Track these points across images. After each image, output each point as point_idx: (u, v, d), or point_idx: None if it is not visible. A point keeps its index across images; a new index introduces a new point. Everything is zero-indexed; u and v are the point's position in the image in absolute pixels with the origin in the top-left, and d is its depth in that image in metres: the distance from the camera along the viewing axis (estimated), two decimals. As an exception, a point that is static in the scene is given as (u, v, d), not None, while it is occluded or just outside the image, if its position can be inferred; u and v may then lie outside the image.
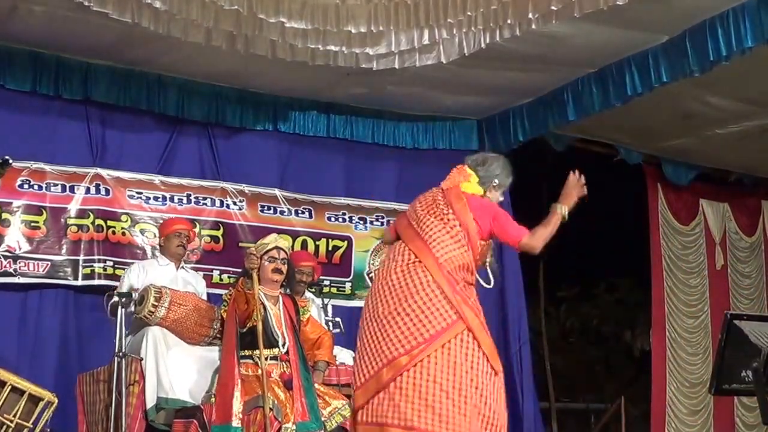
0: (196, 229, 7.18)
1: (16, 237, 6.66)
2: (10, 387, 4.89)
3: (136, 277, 6.07)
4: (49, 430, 5.17)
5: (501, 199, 4.60)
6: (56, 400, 5.07)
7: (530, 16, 5.94)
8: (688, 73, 6.45)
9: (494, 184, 4.52)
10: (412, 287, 4.17)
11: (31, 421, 4.99)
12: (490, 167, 4.54)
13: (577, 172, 4.48)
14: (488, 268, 4.45)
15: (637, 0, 5.73)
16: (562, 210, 4.36)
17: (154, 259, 6.41)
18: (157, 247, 6.58)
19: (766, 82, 7.00)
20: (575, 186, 4.47)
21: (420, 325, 4.10)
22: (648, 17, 6.19)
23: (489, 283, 4.44)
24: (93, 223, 6.89)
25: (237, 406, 5.01)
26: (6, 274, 6.60)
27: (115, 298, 5.63)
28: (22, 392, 4.96)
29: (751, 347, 3.27)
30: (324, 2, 6.16)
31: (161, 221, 6.81)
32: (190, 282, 6.24)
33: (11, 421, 4.87)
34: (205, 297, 6.27)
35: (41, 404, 5.02)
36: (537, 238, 4.31)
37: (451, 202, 4.37)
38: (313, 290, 6.64)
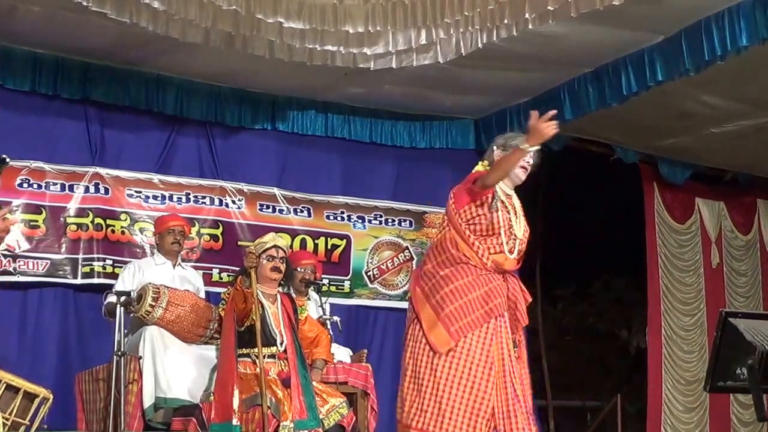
0: (195, 228, 7.21)
1: (15, 236, 6.64)
2: (4, 385, 4.88)
3: (131, 276, 6.06)
4: (45, 426, 5.17)
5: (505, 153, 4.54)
6: (51, 396, 5.06)
7: (527, 16, 5.97)
8: (683, 73, 6.47)
9: (492, 149, 4.61)
10: None
11: (27, 418, 4.98)
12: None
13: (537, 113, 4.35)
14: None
15: (633, 0, 5.77)
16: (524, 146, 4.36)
17: (152, 258, 6.43)
18: (155, 245, 6.61)
19: (761, 81, 7.02)
20: (536, 125, 4.37)
21: None
22: (644, 17, 6.21)
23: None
24: (92, 221, 6.91)
25: (236, 404, 5.03)
26: (6, 272, 6.62)
27: (112, 298, 5.65)
28: (17, 390, 4.95)
29: (746, 345, 3.26)
30: (322, 2, 6.19)
31: (158, 220, 6.82)
32: (188, 280, 6.24)
33: (7, 419, 4.87)
34: (203, 294, 6.28)
35: (37, 401, 5.02)
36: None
37: None
38: (312, 288, 6.66)
